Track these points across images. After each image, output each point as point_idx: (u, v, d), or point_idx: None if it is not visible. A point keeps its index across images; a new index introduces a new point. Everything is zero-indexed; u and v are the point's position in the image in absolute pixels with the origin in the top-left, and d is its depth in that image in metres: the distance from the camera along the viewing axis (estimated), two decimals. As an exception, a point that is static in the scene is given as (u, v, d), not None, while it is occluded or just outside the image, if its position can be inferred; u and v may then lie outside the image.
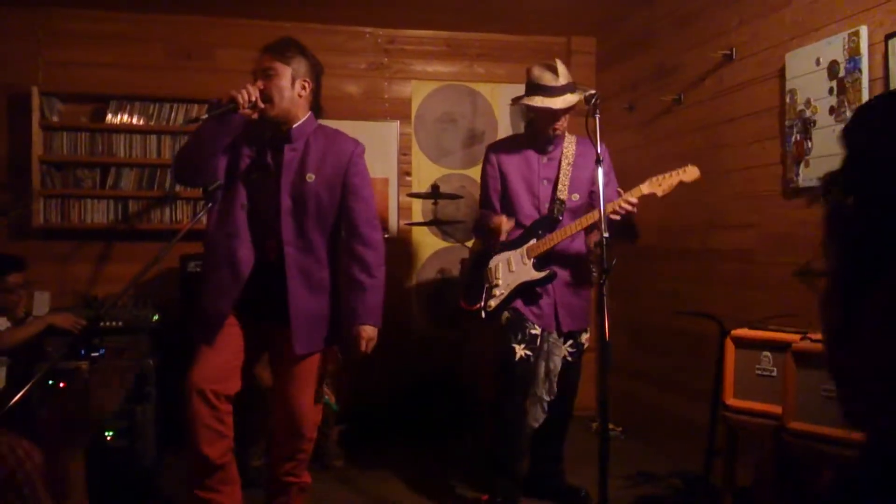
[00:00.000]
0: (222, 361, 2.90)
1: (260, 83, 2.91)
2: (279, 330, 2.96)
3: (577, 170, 3.70)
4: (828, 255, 0.68)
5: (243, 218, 2.94)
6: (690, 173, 3.47)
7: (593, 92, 3.11)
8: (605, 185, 3.05)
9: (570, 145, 3.73)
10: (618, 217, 3.49)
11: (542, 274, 3.62)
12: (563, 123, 3.66)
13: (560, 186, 3.68)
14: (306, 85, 3.01)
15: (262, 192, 2.97)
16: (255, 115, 2.89)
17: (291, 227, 2.96)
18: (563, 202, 3.68)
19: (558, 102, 3.55)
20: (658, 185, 3.47)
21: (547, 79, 3.58)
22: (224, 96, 2.84)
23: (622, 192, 3.55)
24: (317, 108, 3.11)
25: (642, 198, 3.49)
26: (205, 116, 2.81)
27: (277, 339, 3.00)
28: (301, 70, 2.99)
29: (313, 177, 2.97)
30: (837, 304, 0.68)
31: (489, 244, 3.73)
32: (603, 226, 2.95)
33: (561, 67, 3.58)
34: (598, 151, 3.01)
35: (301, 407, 2.98)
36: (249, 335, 3.00)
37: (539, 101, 3.58)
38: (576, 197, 3.70)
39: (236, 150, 2.97)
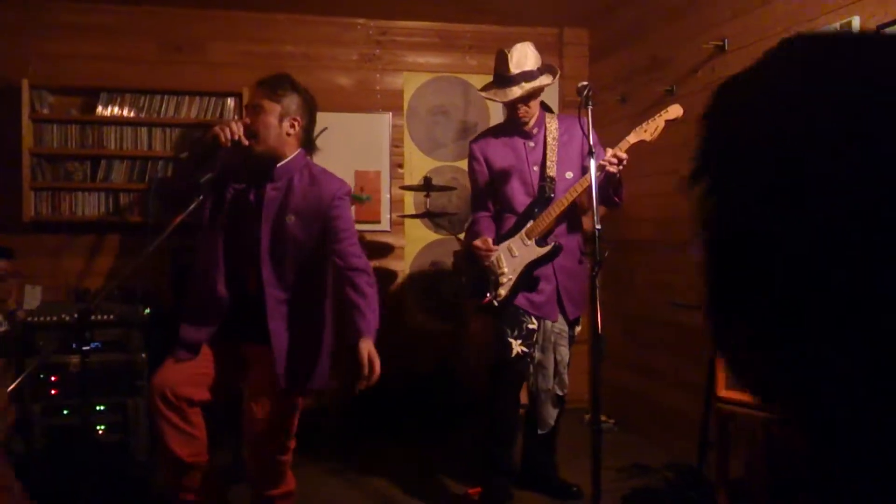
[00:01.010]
0: (185, 368, 2.93)
1: (247, 118, 2.92)
2: (260, 351, 2.98)
3: (564, 147, 3.67)
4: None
5: (221, 251, 2.97)
6: (673, 111, 3.41)
7: (585, 83, 3.10)
8: (596, 154, 3.03)
9: (552, 123, 3.71)
10: (612, 170, 3.36)
11: (547, 249, 3.58)
12: (526, 111, 3.63)
13: (549, 164, 3.65)
14: (296, 123, 2.98)
15: (243, 228, 2.98)
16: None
17: (270, 266, 2.97)
18: (553, 179, 3.64)
19: (506, 94, 3.53)
20: (644, 132, 3.41)
21: (500, 68, 3.57)
22: (209, 133, 2.87)
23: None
24: (309, 144, 3.12)
25: (632, 149, 3.43)
26: (185, 154, 2.83)
27: (256, 363, 3.02)
28: (292, 107, 2.97)
29: (293, 218, 2.96)
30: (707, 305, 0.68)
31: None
32: (596, 218, 2.94)
33: (516, 54, 3.53)
34: (591, 143, 3.00)
35: (272, 430, 2.95)
36: (226, 354, 3.02)
37: (491, 93, 3.60)
38: (569, 175, 3.66)
39: (223, 181, 2.99)
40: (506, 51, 3.55)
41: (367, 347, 2.80)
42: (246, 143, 2.87)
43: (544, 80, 3.54)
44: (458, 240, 4.85)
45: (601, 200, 3.12)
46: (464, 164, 5.55)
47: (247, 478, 3.16)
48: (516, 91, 3.51)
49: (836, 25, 3.19)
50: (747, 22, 3.83)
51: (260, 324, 2.95)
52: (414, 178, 5.45)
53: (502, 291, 3.61)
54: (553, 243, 3.58)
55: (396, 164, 5.56)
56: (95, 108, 4.97)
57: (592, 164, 2.99)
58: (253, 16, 5.27)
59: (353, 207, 4.66)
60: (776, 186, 0.59)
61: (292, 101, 2.97)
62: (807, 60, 0.63)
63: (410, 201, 5.56)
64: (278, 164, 2.98)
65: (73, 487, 3.52)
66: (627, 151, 3.40)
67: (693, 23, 4.32)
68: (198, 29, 5.22)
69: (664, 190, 4.27)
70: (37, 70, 4.95)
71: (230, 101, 5.09)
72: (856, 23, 3.11)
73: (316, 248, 3.02)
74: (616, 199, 3.58)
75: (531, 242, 3.59)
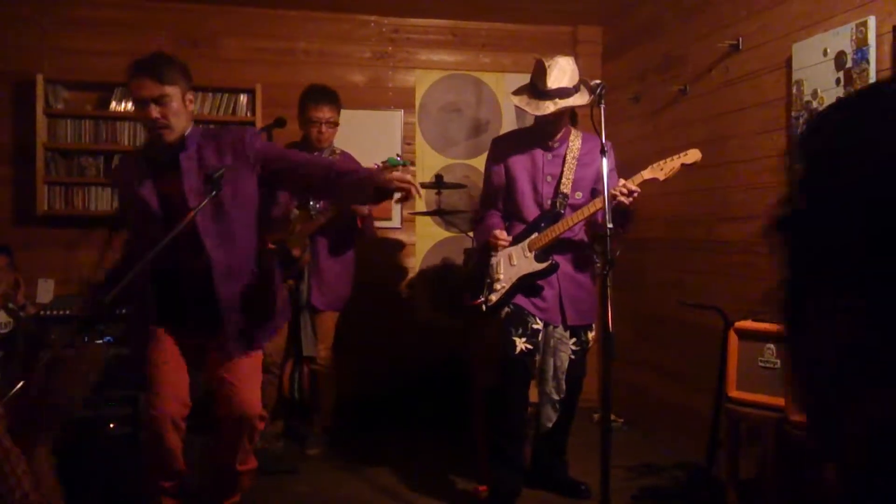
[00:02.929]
0: (177, 385, 2.95)
1: (155, 111, 2.80)
2: (210, 338, 3.00)
3: (582, 167, 3.66)
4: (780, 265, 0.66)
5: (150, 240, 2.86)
6: (692, 155, 3.41)
7: (598, 82, 3.09)
8: (608, 181, 3.04)
9: (575, 141, 3.70)
10: (623, 200, 3.40)
11: (543, 265, 3.58)
12: (555, 126, 3.61)
13: (564, 181, 3.66)
14: (192, 98, 2.95)
15: (169, 209, 2.90)
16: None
17: (211, 230, 2.90)
18: (566, 196, 3.65)
19: (538, 107, 3.50)
20: (660, 170, 3.42)
21: (538, 79, 3.53)
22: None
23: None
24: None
25: (644, 184, 3.45)
26: None
27: (209, 347, 3.04)
28: (185, 84, 2.89)
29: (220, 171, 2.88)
30: (787, 312, 0.66)
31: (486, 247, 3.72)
32: (607, 216, 2.94)
33: (556, 70, 3.47)
34: (603, 141, 2.99)
35: (243, 403, 2.97)
36: (183, 346, 3.04)
37: (523, 102, 3.56)
38: (579, 195, 3.67)
39: (128, 179, 2.97)
40: (545, 63, 3.50)
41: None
42: (165, 139, 2.86)
43: (578, 99, 3.49)
44: (470, 237, 4.85)
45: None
46: (475, 162, 5.57)
47: (212, 463, 3.20)
48: (549, 107, 3.47)
49: (852, 25, 3.17)
50: (762, 21, 3.81)
51: (206, 304, 2.93)
52: (425, 176, 5.45)
53: (493, 297, 3.62)
54: (551, 261, 3.59)
55: (409, 162, 5.56)
56: (109, 103, 5.00)
57: (605, 162, 2.98)
58: (267, 12, 5.29)
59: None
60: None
61: (183, 77, 2.88)
62: None
63: (422, 199, 5.55)
64: (186, 134, 2.91)
65: (83, 481, 3.53)
66: (639, 186, 3.42)
67: (707, 21, 4.30)
68: (212, 25, 5.24)
69: (676, 189, 4.25)
70: (51, 65, 4.98)
71: (243, 98, 5.11)
72: (871, 23, 3.08)
73: (252, 194, 3.00)
74: (622, 230, 3.57)
75: (531, 255, 3.61)
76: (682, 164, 3.40)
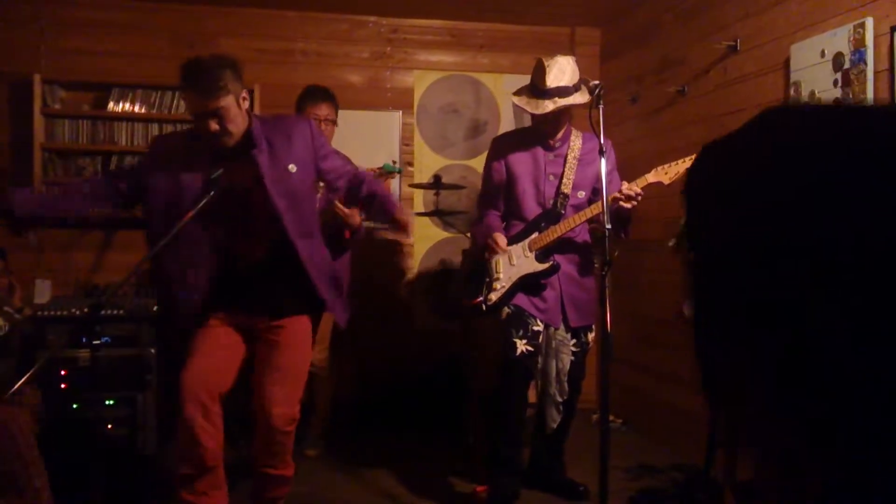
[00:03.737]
0: (209, 365, 2.92)
1: (214, 125, 2.78)
2: (268, 325, 3.01)
3: (583, 167, 3.66)
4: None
5: (205, 237, 2.90)
6: None
7: (597, 82, 3.09)
8: (608, 181, 3.04)
9: (576, 141, 3.70)
10: (625, 204, 3.40)
11: (545, 266, 3.58)
12: (555, 125, 3.61)
13: (565, 181, 3.65)
14: (246, 95, 2.91)
15: (239, 206, 2.92)
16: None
17: (294, 222, 2.95)
18: (567, 196, 3.65)
19: (538, 106, 3.50)
20: (664, 174, 3.43)
21: (537, 78, 3.53)
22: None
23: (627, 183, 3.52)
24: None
25: (648, 187, 3.46)
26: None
27: (263, 335, 3.03)
28: (238, 85, 2.84)
29: (294, 167, 2.96)
30: (696, 351, 0.78)
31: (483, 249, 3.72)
32: (605, 217, 2.94)
33: (555, 69, 3.48)
34: (601, 142, 2.99)
35: (272, 416, 2.92)
36: (232, 336, 3.03)
37: (523, 102, 3.56)
38: (581, 194, 3.67)
39: (172, 169, 2.91)
40: (545, 62, 3.51)
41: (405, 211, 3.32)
42: (227, 144, 2.86)
43: (578, 97, 3.49)
44: (468, 238, 4.85)
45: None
46: (474, 163, 5.57)
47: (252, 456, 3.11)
48: (548, 106, 3.48)
49: (850, 27, 3.17)
50: (760, 22, 3.82)
51: (271, 294, 3.00)
52: (424, 177, 5.45)
53: (493, 297, 3.61)
54: (552, 262, 3.58)
55: (406, 162, 5.56)
56: (107, 103, 4.99)
57: (603, 163, 2.98)
58: (265, 13, 5.28)
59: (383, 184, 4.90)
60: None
61: (233, 79, 2.82)
62: (778, 133, 0.70)
63: (420, 199, 5.56)
64: (252, 130, 2.91)
65: (81, 481, 3.53)
66: (643, 189, 3.43)
67: (705, 23, 4.30)
68: (210, 25, 5.23)
69: (673, 190, 4.25)
70: (49, 65, 4.97)
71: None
72: (869, 24, 3.09)
73: (313, 183, 3.14)
74: (622, 235, 3.57)
75: (531, 255, 3.60)
76: (687, 170, 3.39)
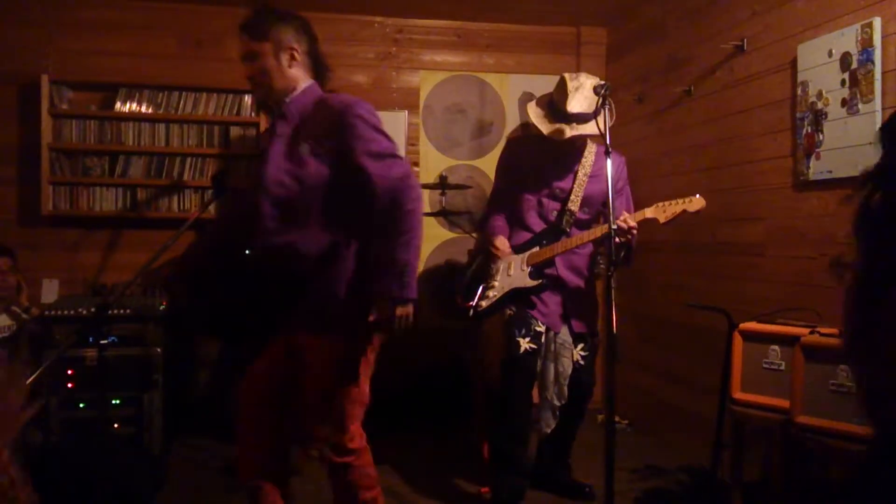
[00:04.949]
0: (263, 421, 2.89)
1: (247, 68, 2.62)
2: (311, 341, 2.81)
3: (593, 183, 3.66)
4: (856, 252, 0.70)
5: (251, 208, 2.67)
6: (696, 203, 3.40)
7: (603, 82, 3.09)
8: (618, 197, 3.03)
9: (589, 156, 3.70)
10: (618, 238, 3.28)
11: (534, 283, 3.61)
12: (568, 144, 3.59)
13: (573, 197, 3.65)
14: (295, 52, 2.65)
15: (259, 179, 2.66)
16: None
17: (268, 203, 2.60)
18: (572, 213, 3.65)
19: (552, 130, 3.51)
20: (662, 212, 3.42)
21: (558, 99, 3.54)
22: None
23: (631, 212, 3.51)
24: (323, 71, 2.77)
25: (643, 222, 3.44)
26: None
27: (308, 352, 2.85)
28: (284, 39, 2.63)
29: (306, 146, 2.56)
30: (859, 300, 0.70)
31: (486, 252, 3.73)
32: (611, 218, 2.94)
33: (578, 96, 3.48)
34: (608, 142, 2.98)
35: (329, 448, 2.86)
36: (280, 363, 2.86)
37: (539, 121, 3.57)
38: (586, 210, 3.69)
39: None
40: (568, 83, 3.51)
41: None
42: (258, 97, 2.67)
43: (592, 127, 3.49)
44: (474, 237, 4.85)
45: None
46: (479, 163, 5.57)
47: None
48: (566, 132, 3.50)
49: (857, 26, 3.16)
50: (767, 22, 3.80)
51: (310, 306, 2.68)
52: (430, 177, 5.44)
53: (483, 303, 3.64)
54: (540, 281, 3.60)
55: (412, 163, 5.56)
56: (114, 103, 5.01)
57: (609, 162, 2.97)
58: (271, 13, 5.28)
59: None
60: None
61: (281, 32, 2.63)
62: None
63: (426, 199, 5.56)
64: (287, 100, 2.65)
65: (87, 481, 3.54)
66: (639, 224, 3.41)
67: (712, 22, 4.29)
68: (217, 25, 5.24)
69: (680, 191, 4.25)
70: (56, 66, 4.99)
71: (248, 98, 5.10)
72: (877, 24, 3.08)
73: (326, 178, 2.57)
74: (625, 264, 3.53)
75: (527, 270, 3.63)
76: (685, 211, 3.39)
